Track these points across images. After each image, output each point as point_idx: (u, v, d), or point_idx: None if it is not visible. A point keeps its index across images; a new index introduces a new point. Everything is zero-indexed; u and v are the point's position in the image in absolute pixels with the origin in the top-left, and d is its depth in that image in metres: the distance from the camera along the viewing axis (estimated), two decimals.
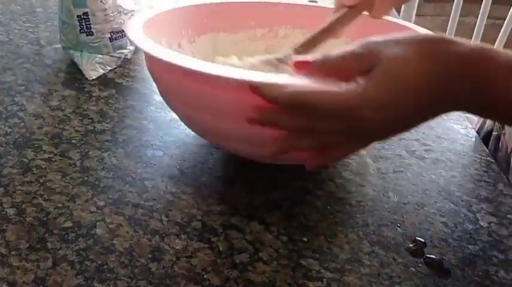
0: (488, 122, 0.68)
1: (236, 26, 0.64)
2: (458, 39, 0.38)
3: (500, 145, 0.63)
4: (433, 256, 0.47)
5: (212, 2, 0.63)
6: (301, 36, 0.60)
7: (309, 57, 0.40)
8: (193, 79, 0.44)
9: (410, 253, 0.47)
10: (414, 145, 0.60)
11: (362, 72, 0.37)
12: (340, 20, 0.53)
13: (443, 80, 0.37)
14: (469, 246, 0.48)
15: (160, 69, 0.48)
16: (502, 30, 1.29)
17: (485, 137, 0.67)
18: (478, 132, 0.69)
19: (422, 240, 0.48)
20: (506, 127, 0.60)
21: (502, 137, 0.63)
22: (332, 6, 0.55)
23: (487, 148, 0.65)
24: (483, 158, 0.59)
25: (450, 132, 0.63)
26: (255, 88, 0.38)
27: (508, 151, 0.61)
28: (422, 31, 0.58)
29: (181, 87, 0.46)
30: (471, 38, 1.44)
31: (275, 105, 0.38)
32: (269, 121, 0.39)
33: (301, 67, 0.40)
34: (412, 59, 0.37)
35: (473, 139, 0.63)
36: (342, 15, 0.52)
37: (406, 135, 0.62)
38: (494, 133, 0.64)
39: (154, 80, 0.52)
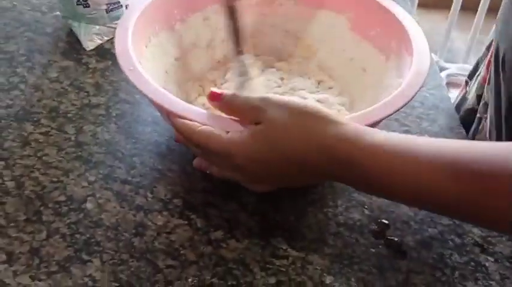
0: (471, 100, 0.70)
1: None
2: (339, 119, 0.42)
3: (480, 127, 0.65)
4: (394, 238, 0.51)
5: None
6: None
7: (223, 92, 0.47)
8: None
9: (373, 235, 0.51)
10: (394, 126, 0.63)
11: (252, 122, 0.43)
12: None
13: (312, 152, 0.42)
14: (429, 229, 0.52)
15: None
16: None
17: (466, 115, 0.69)
18: (457, 108, 0.70)
19: (386, 222, 0.52)
20: (489, 111, 0.62)
21: (483, 120, 0.65)
22: None
23: (470, 126, 0.67)
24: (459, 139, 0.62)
25: (431, 113, 0.65)
26: (172, 120, 0.47)
27: (487, 135, 0.63)
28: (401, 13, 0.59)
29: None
30: None
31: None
32: (186, 145, 0.49)
33: (214, 98, 0.46)
34: (288, 127, 0.42)
35: (453, 120, 0.65)
36: None
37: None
38: (477, 115, 0.66)
39: None
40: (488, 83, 0.64)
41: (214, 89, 0.47)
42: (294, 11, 0.66)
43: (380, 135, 0.42)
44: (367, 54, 0.62)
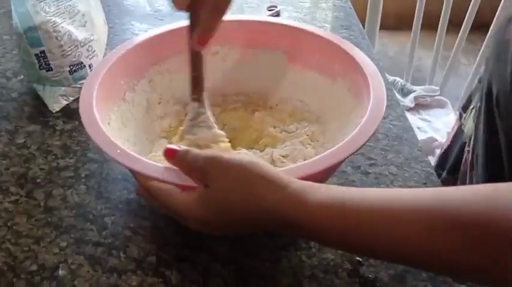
0: (468, 131, 0.71)
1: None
2: (281, 181, 0.42)
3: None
4: (369, 275, 0.51)
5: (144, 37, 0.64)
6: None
7: (177, 147, 0.47)
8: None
9: (347, 274, 0.51)
10: (359, 160, 0.64)
11: (201, 182, 0.44)
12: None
13: (252, 215, 0.43)
14: None
15: None
16: None
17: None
18: (454, 140, 0.73)
19: (360, 259, 0.52)
20: (473, 146, 0.64)
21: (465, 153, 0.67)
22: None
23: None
24: (423, 169, 0.63)
25: (396, 144, 0.67)
26: (137, 175, 0.49)
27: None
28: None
29: None
30: None
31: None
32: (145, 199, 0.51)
33: (170, 154, 0.46)
34: (229, 191, 0.43)
35: (417, 149, 0.66)
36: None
37: None
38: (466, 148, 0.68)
39: None
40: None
41: (170, 146, 0.47)
42: None
43: (321, 194, 0.41)
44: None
